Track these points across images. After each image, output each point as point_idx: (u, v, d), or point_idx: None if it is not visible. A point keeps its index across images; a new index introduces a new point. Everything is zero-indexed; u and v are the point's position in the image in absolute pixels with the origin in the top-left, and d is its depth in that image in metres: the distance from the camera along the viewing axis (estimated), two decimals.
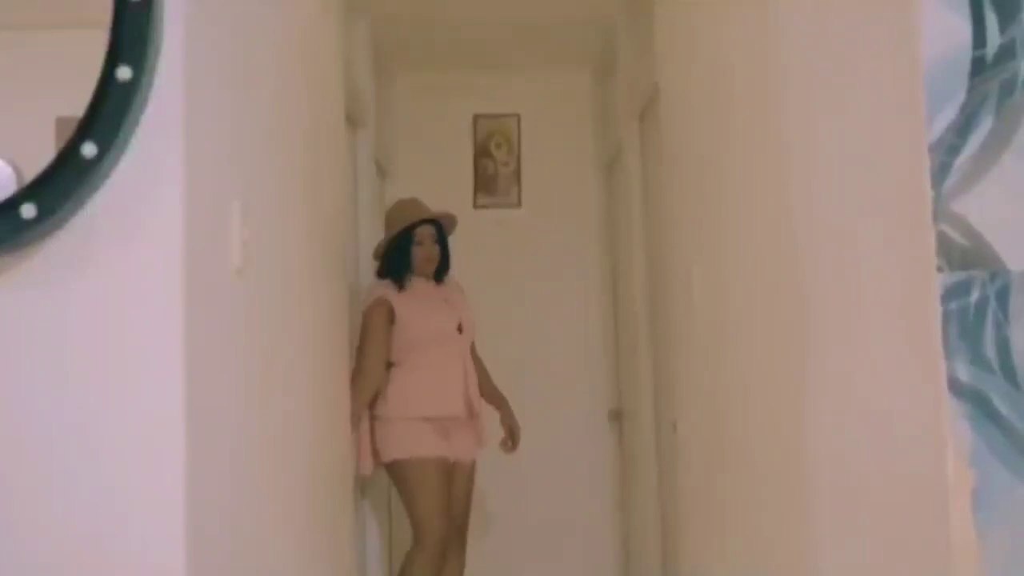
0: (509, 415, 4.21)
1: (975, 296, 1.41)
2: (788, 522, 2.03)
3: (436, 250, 3.99)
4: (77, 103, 1.44)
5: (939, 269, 1.41)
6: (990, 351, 1.41)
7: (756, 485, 2.26)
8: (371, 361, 3.82)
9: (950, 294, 1.41)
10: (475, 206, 5.42)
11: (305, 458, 2.30)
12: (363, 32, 4.34)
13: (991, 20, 1.45)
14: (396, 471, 3.86)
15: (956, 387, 1.40)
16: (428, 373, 3.88)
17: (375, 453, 3.86)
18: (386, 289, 3.93)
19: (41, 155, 1.44)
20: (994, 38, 1.45)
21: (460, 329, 3.97)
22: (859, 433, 1.69)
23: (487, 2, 4.45)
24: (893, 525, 1.56)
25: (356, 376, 3.75)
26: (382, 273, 3.99)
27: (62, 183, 1.42)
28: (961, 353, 1.40)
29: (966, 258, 1.42)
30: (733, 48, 2.36)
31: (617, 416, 4.97)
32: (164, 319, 1.46)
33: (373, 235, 4.40)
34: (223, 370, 1.66)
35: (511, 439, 4.21)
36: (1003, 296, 1.42)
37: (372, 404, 3.86)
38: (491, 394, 4.20)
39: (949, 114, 1.44)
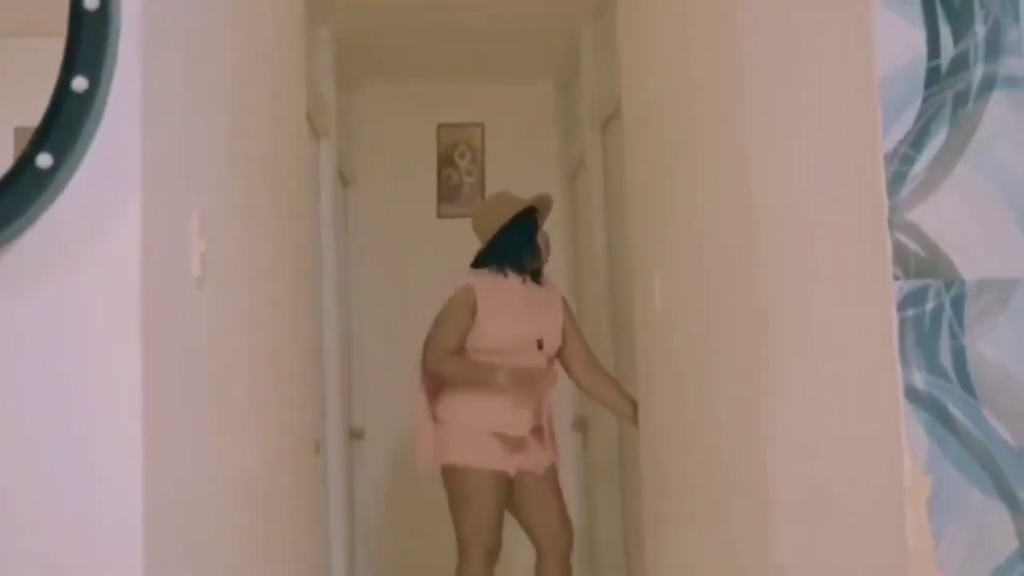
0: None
1: (931, 304, 1.43)
2: (748, 527, 2.04)
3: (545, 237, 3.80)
4: (36, 113, 1.42)
5: (895, 278, 1.43)
6: (945, 359, 1.42)
7: (717, 491, 2.26)
8: (434, 351, 3.65)
9: (906, 302, 1.42)
10: (438, 215, 5.41)
11: (266, 466, 2.29)
12: (326, 41, 4.32)
13: (945, 31, 1.47)
14: (450, 476, 3.68)
15: (912, 394, 1.41)
16: (499, 387, 3.59)
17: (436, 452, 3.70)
18: (477, 280, 3.70)
19: None
20: (948, 49, 1.47)
21: (540, 345, 3.70)
22: (817, 439, 1.70)
23: (450, 12, 4.45)
24: (851, 530, 1.57)
25: (424, 367, 3.66)
26: (479, 263, 3.76)
27: (17, 194, 1.40)
28: (917, 361, 1.42)
29: (922, 267, 1.43)
30: (695, 60, 2.37)
31: (581, 424, 4.97)
32: (122, 329, 1.45)
33: (336, 245, 4.38)
34: (181, 378, 1.65)
35: None
36: (958, 304, 1.43)
37: (436, 405, 3.70)
38: (612, 403, 3.78)
39: (904, 124, 1.46)
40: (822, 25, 1.65)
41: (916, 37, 1.47)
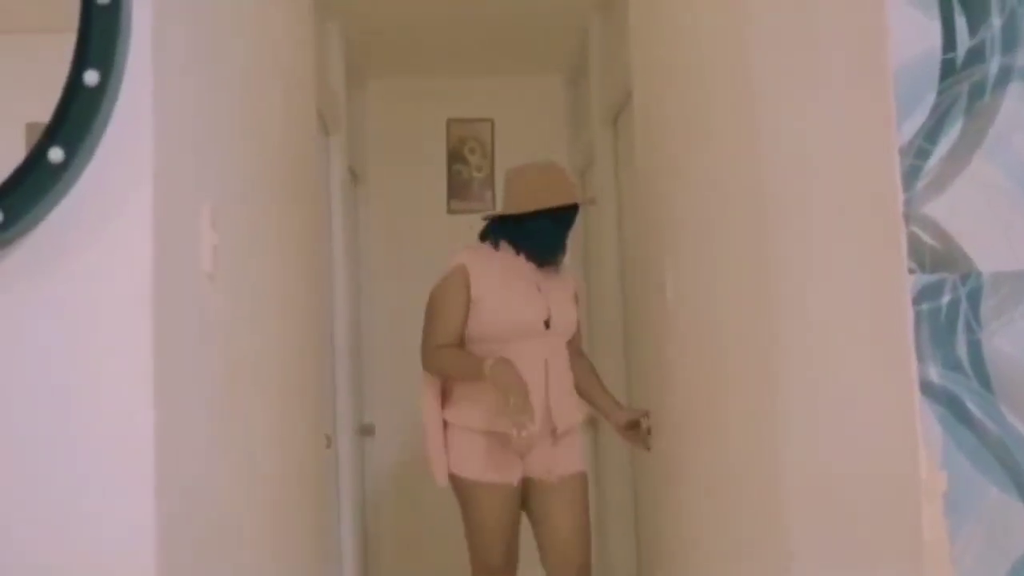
0: (620, 419, 3.37)
1: (947, 298, 1.42)
2: (761, 522, 2.03)
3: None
4: (47, 108, 1.42)
5: (911, 271, 1.42)
6: (962, 353, 1.41)
7: (730, 487, 2.26)
8: (426, 347, 3.27)
9: (922, 296, 1.41)
10: (449, 211, 5.41)
11: (278, 461, 2.29)
12: (336, 37, 4.32)
13: (961, 23, 1.46)
14: (455, 486, 3.32)
15: (928, 389, 1.40)
16: (485, 378, 3.11)
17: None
18: (471, 255, 3.31)
19: (10, 161, 1.42)
20: (964, 41, 1.46)
21: (548, 324, 3.27)
22: (832, 435, 1.69)
23: (459, 6, 4.45)
24: (866, 527, 1.56)
25: (424, 364, 3.27)
26: (484, 237, 3.40)
27: (29, 188, 1.40)
28: (933, 355, 1.41)
29: (937, 260, 1.42)
30: (706, 53, 2.36)
31: (592, 419, 4.96)
32: (133, 323, 1.45)
33: (346, 241, 4.38)
34: (193, 373, 1.65)
35: (640, 442, 3.29)
36: (974, 298, 1.42)
37: (443, 406, 3.32)
38: (595, 399, 3.49)
39: (919, 117, 1.45)
40: (836, 16, 1.64)
41: (931, 29, 1.46)
